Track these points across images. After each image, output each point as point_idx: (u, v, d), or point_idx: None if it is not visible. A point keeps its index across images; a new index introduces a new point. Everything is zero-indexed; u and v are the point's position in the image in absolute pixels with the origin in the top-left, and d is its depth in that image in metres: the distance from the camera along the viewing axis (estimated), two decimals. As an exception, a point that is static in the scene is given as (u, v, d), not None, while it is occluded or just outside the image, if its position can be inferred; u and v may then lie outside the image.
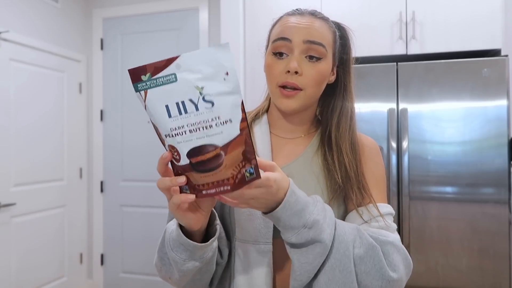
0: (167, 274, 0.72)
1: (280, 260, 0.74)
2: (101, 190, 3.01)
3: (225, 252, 0.75)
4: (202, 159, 0.52)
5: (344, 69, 0.82)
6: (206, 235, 0.69)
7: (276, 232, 0.73)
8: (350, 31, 0.83)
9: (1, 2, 2.35)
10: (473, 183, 1.74)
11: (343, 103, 0.81)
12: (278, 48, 0.74)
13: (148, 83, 0.50)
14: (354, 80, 0.83)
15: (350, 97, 0.81)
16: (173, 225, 0.70)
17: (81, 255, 2.99)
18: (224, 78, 0.50)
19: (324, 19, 0.77)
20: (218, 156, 0.52)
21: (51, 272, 2.69)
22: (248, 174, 0.54)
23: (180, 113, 0.51)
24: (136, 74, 0.51)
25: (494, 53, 1.92)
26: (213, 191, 0.54)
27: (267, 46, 0.81)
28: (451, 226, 1.76)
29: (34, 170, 2.55)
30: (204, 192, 0.55)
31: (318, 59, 0.73)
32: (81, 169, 2.99)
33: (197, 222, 0.62)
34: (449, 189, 1.77)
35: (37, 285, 2.57)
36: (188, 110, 0.50)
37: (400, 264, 0.67)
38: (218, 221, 0.70)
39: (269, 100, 0.86)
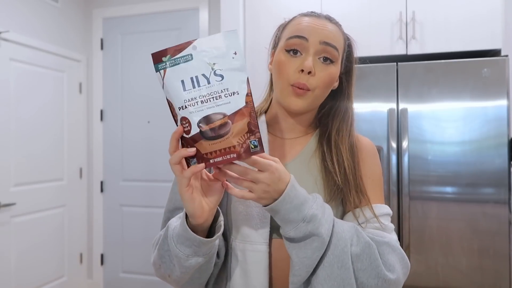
0: (166, 272, 0.72)
1: (276, 261, 0.74)
2: (101, 190, 3.01)
3: (222, 252, 0.75)
4: (211, 127, 0.58)
5: (347, 77, 0.83)
6: (208, 233, 0.70)
7: (272, 232, 0.73)
8: (354, 43, 0.84)
9: (1, 2, 2.35)
10: (473, 183, 1.74)
11: (345, 109, 0.82)
12: (293, 46, 0.73)
13: (168, 63, 0.59)
14: (355, 85, 0.84)
15: (351, 102, 0.83)
16: (176, 221, 0.70)
17: (81, 255, 2.99)
18: (232, 56, 0.59)
19: (338, 24, 0.78)
20: (226, 124, 0.58)
21: (51, 272, 2.69)
22: (252, 146, 0.60)
23: (193, 86, 0.58)
24: (157, 57, 0.59)
25: (494, 53, 1.92)
26: (220, 159, 0.60)
27: (274, 45, 0.81)
28: (451, 226, 1.76)
29: (34, 170, 2.55)
30: (211, 161, 0.60)
31: (331, 62, 0.74)
32: (81, 169, 2.99)
33: (203, 212, 0.63)
34: (449, 189, 1.77)
35: (37, 285, 2.57)
36: (200, 84, 0.58)
37: (396, 264, 0.68)
38: (222, 218, 0.70)
39: (269, 102, 0.86)
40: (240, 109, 0.58)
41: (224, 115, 0.58)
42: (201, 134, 0.58)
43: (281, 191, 0.62)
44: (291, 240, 0.65)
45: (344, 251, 0.65)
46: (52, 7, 2.73)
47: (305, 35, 0.73)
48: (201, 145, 0.59)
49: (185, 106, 0.58)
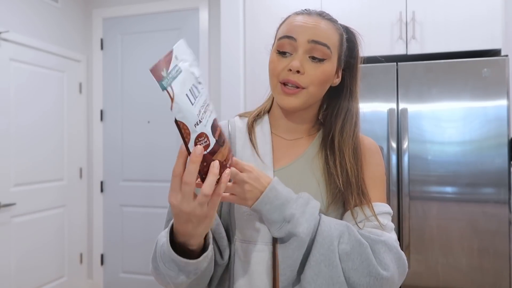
0: (163, 283, 0.70)
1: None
2: (101, 190, 3.01)
3: (226, 252, 0.74)
4: (219, 131, 0.58)
5: (351, 73, 0.81)
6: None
7: None
8: (359, 36, 0.82)
9: (1, 2, 2.35)
10: (473, 183, 1.74)
11: (348, 107, 0.80)
12: (282, 47, 0.74)
13: (169, 77, 0.51)
14: (360, 84, 0.82)
15: (355, 101, 0.81)
16: (164, 236, 0.65)
17: (81, 255, 2.99)
18: (196, 62, 0.57)
19: (332, 20, 0.77)
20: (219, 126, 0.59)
21: (51, 272, 2.69)
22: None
23: (194, 98, 0.54)
24: (157, 72, 0.50)
25: (494, 53, 1.92)
26: (230, 161, 0.61)
27: (274, 44, 0.81)
28: (451, 226, 1.76)
29: (34, 170, 2.55)
30: (228, 165, 0.60)
31: (321, 60, 0.73)
32: (81, 169, 2.99)
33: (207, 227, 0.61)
34: (449, 189, 1.77)
35: (37, 285, 2.57)
36: (196, 94, 0.55)
37: (391, 263, 0.67)
38: (210, 235, 0.67)
39: (271, 100, 0.86)
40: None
41: (215, 119, 0.58)
42: (217, 142, 0.57)
43: (262, 192, 0.66)
44: (279, 240, 0.68)
45: (331, 249, 0.65)
46: (52, 7, 2.73)
47: (293, 35, 0.73)
48: (220, 153, 0.57)
49: (200, 120, 0.54)
